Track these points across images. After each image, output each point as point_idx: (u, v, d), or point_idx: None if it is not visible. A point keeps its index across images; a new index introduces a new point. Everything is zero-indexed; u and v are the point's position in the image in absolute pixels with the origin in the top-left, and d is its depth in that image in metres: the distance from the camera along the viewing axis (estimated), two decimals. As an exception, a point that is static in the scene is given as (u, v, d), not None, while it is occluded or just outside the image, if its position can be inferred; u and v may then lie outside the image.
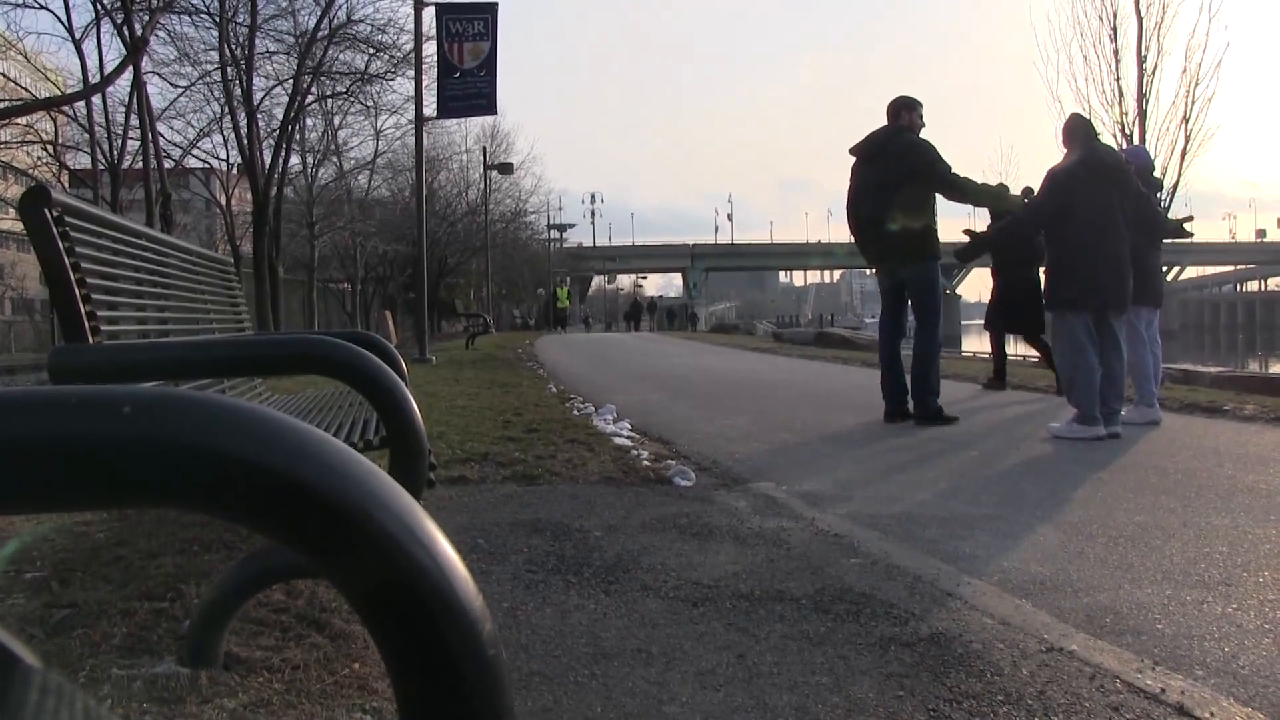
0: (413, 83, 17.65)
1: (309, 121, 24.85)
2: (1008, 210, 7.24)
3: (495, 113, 18.22)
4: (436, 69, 16.76)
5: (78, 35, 17.96)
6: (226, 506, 0.49)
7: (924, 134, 7.09)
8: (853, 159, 7.16)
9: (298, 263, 28.44)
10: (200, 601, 2.16)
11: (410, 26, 17.54)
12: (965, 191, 6.98)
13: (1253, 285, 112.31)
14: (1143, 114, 20.41)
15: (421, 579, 0.53)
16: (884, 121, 7.14)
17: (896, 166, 6.83)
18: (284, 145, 21.82)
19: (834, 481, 4.67)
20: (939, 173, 6.84)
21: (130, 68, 16.35)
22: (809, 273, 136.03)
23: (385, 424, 1.77)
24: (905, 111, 7.09)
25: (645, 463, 5.06)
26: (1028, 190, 6.71)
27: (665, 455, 5.40)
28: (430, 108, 17.38)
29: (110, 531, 3.32)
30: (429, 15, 16.66)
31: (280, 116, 21.60)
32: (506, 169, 39.14)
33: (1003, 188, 7.97)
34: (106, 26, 17.87)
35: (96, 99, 18.37)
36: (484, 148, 42.48)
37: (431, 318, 25.41)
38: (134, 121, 18.24)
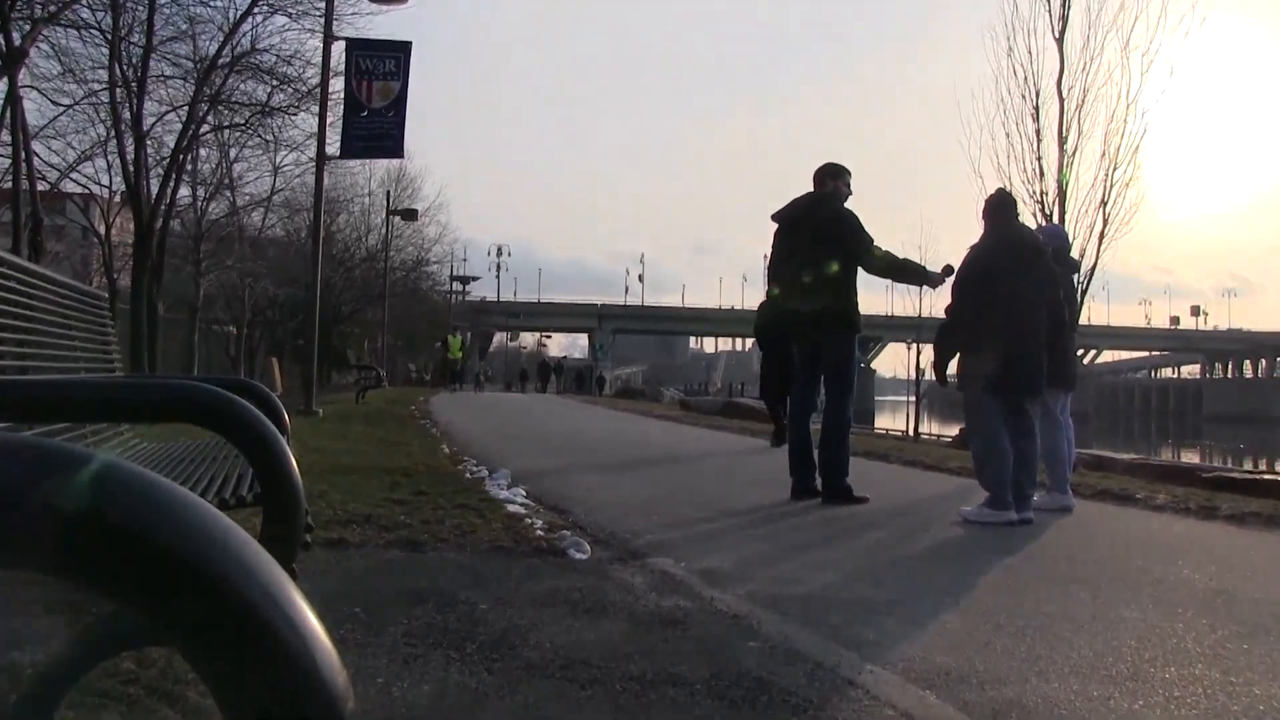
0: (316, 119, 17.49)
1: (203, 152, 24.34)
2: (927, 285, 7.34)
3: (402, 156, 18.23)
4: (343, 106, 16.69)
5: (-57, 40, 17.29)
6: (63, 566, 0.47)
7: (849, 203, 7.19)
8: (775, 225, 7.27)
9: (180, 301, 27.70)
10: (33, 672, 2.04)
11: (318, 60, 17.39)
12: (886, 266, 7.08)
13: (1167, 372, 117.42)
14: (1063, 194, 21.16)
15: (280, 651, 0.51)
16: (805, 187, 7.24)
17: (818, 235, 6.92)
18: (174, 175, 21.33)
19: (735, 559, 4.67)
20: (861, 244, 6.94)
21: (5, 79, 15.88)
22: (720, 339, 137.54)
23: (260, 479, 1.72)
24: (831, 179, 7.17)
25: (539, 532, 5.00)
26: (948, 269, 6.87)
27: (560, 525, 5.35)
28: (334, 146, 17.25)
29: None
30: (338, 50, 16.61)
31: (172, 145, 21.12)
32: (410, 215, 39.03)
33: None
34: (-20, 34, 17.28)
35: (-38, 111, 17.71)
36: (388, 191, 42.29)
37: (321, 367, 24.95)
38: (5, 138, 17.62)
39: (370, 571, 4.02)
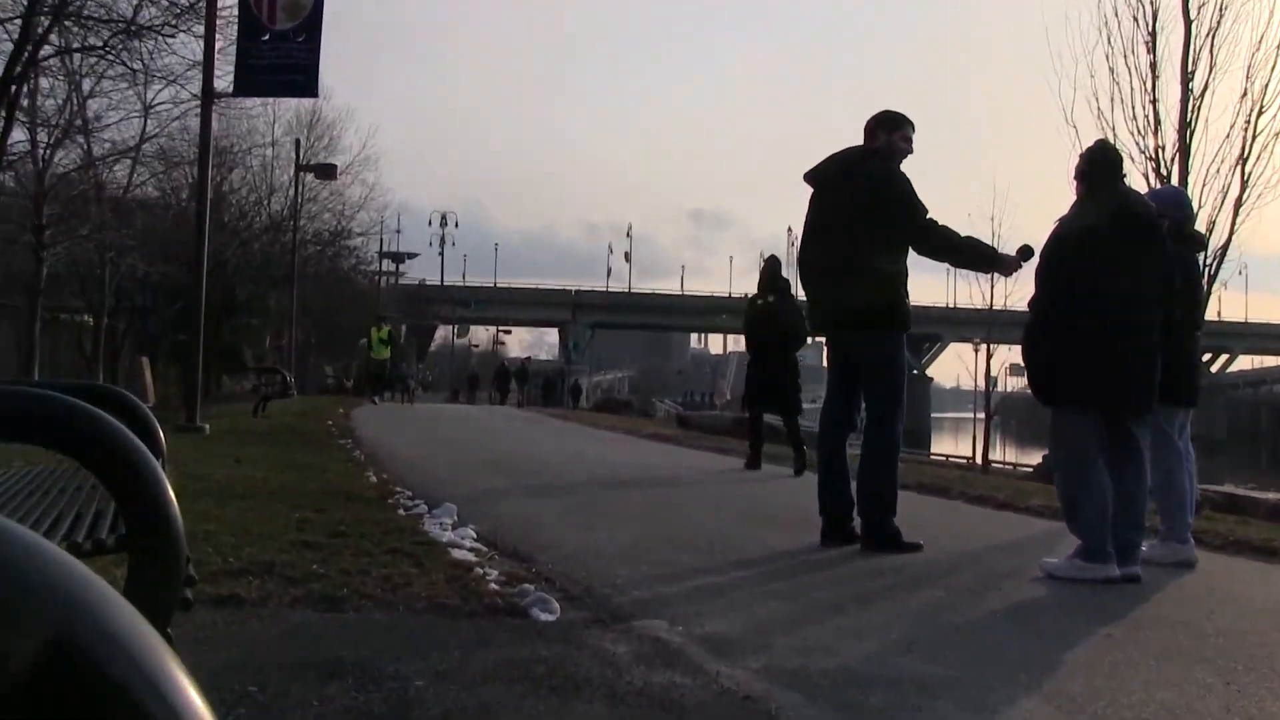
0: (201, 43, 17.45)
1: (44, 83, 24.21)
2: (998, 270, 7.36)
3: (316, 94, 18.21)
4: (237, 27, 16.63)
5: None
6: None
7: (906, 165, 7.09)
8: (809, 190, 7.22)
9: (14, 281, 27.58)
10: None
11: (202, -36, 17.36)
12: (944, 245, 7.04)
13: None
14: (1185, 148, 20.56)
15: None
16: (844, 142, 7.21)
17: (858, 203, 6.84)
18: (3, 113, 21.21)
19: (748, 622, 4.69)
20: (912, 217, 6.89)
21: None
22: (729, 337, 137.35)
23: (126, 517, 1.72)
24: (885, 130, 7.08)
25: (493, 585, 5.02)
26: (1026, 250, 6.84)
27: (521, 577, 5.35)
28: (225, 79, 17.21)
29: None
30: (230, -48, 16.58)
31: (0, 71, 21.00)
32: (327, 172, 38.97)
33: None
34: None
35: None
36: (298, 140, 42.09)
37: (208, 371, 24.91)
38: None
39: (272, 637, 4.03)
